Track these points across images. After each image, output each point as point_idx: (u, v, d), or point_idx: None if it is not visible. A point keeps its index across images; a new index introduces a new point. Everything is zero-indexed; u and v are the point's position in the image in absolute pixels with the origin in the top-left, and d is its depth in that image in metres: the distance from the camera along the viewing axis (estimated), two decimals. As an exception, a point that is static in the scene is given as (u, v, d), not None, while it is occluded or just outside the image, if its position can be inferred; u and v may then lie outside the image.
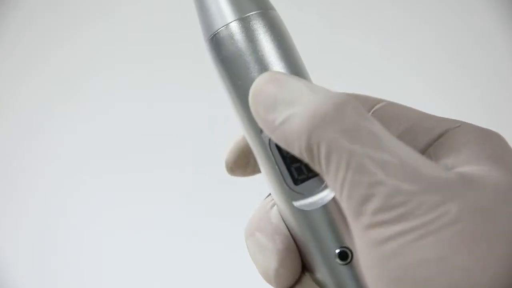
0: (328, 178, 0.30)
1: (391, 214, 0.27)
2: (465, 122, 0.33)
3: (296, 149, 0.30)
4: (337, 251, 0.33)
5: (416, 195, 0.27)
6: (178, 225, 0.97)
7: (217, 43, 0.34)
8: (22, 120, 1.00)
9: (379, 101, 0.36)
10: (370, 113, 0.36)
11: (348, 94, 0.32)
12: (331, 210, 0.33)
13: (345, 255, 0.33)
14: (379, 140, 0.29)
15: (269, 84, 0.31)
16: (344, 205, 0.29)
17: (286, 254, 0.34)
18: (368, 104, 0.36)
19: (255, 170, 0.39)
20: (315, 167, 0.30)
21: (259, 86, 0.32)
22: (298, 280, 0.36)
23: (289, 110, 0.30)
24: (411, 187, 0.27)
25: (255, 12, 0.34)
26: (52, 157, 1.00)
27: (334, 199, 0.33)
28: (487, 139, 0.31)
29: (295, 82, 0.31)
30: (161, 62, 1.00)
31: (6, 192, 0.99)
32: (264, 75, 0.32)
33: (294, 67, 0.34)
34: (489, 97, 0.94)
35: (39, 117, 1.00)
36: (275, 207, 0.36)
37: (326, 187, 0.33)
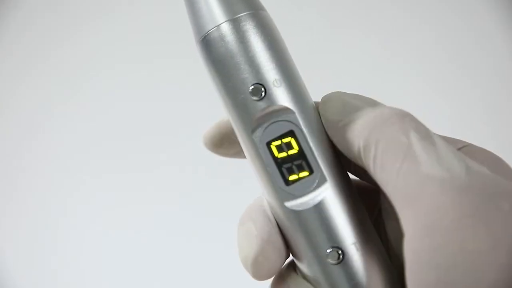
0: (381, 172, 0.31)
1: (446, 200, 0.28)
2: (470, 144, 0.35)
3: (354, 148, 0.32)
4: (329, 250, 0.33)
5: (471, 187, 0.28)
6: (178, 225, 0.97)
7: (208, 45, 0.34)
8: (22, 120, 1.00)
9: None
10: None
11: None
12: (322, 210, 0.33)
13: (336, 254, 0.33)
14: (435, 139, 0.31)
15: (339, 94, 0.35)
16: (397, 194, 0.30)
17: (269, 244, 0.35)
18: None
19: (229, 155, 0.40)
20: (368, 164, 0.31)
21: (329, 95, 0.35)
22: (284, 276, 0.36)
23: (354, 115, 0.33)
24: (467, 180, 0.28)
25: (246, 13, 0.34)
26: (52, 157, 1.00)
27: (324, 199, 0.33)
28: (494, 162, 0.33)
29: (362, 97, 0.34)
30: (161, 62, 1.00)
31: (6, 192, 0.99)
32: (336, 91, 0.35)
33: (285, 67, 0.34)
34: (489, 97, 0.94)
35: (39, 117, 1.00)
36: None
37: (317, 187, 0.33)
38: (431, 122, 0.33)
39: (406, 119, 0.31)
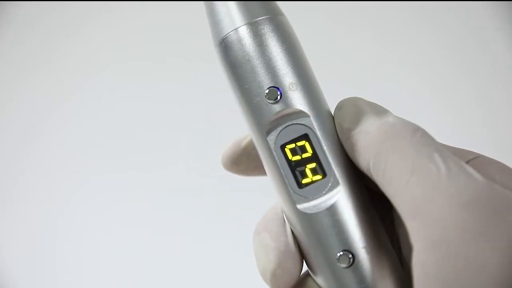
0: (389, 185, 0.31)
1: (452, 215, 0.28)
2: (482, 155, 0.35)
3: (364, 158, 0.32)
4: (339, 254, 0.33)
5: (476, 202, 0.28)
6: (178, 225, 0.97)
7: (225, 47, 0.35)
8: (22, 120, 1.00)
9: None
10: None
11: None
12: (334, 213, 0.33)
13: (347, 258, 0.33)
14: (445, 153, 0.31)
15: (354, 101, 0.35)
16: (404, 207, 0.30)
17: (287, 256, 0.35)
18: None
19: (249, 170, 0.40)
20: (377, 176, 0.32)
21: (345, 100, 0.35)
22: (301, 283, 0.36)
23: (366, 125, 0.33)
24: (473, 195, 0.29)
25: (264, 17, 0.35)
26: (52, 157, 1.00)
27: (337, 202, 0.33)
28: (506, 174, 0.33)
29: (376, 106, 0.34)
30: (162, 62, 1.00)
31: (6, 192, 0.99)
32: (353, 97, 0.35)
33: (301, 72, 0.35)
34: (489, 97, 0.94)
35: (39, 117, 1.00)
36: None
37: (330, 190, 0.34)
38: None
39: (417, 133, 0.31)
